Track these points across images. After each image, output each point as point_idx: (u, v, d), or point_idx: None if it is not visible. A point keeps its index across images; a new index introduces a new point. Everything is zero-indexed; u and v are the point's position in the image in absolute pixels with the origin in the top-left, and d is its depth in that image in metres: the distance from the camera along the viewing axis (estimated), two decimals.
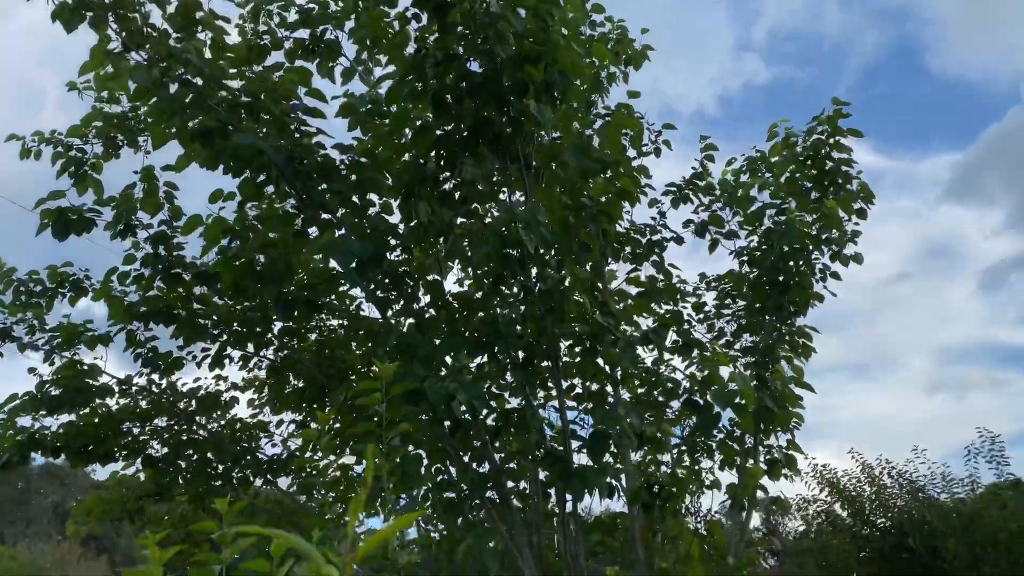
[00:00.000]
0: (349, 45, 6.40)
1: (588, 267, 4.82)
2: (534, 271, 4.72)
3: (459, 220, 5.18)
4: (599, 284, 5.19)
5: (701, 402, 5.90)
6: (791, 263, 6.77)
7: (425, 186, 4.74)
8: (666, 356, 6.77)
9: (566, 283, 4.59)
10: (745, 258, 7.54)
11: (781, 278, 6.76)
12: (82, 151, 6.46)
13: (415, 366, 4.38)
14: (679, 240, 7.13)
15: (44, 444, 6.42)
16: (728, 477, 6.74)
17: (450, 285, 6.57)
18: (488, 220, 4.80)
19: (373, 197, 5.55)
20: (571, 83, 4.38)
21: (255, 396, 7.61)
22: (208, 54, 4.93)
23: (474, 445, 5.53)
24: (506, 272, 4.57)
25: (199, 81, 4.79)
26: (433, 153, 4.80)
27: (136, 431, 6.77)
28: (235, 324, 6.67)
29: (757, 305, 7.51)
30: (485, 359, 4.76)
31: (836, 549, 13.78)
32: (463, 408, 4.44)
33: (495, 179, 4.76)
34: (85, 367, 6.20)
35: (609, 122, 6.21)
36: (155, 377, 6.45)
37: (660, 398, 6.57)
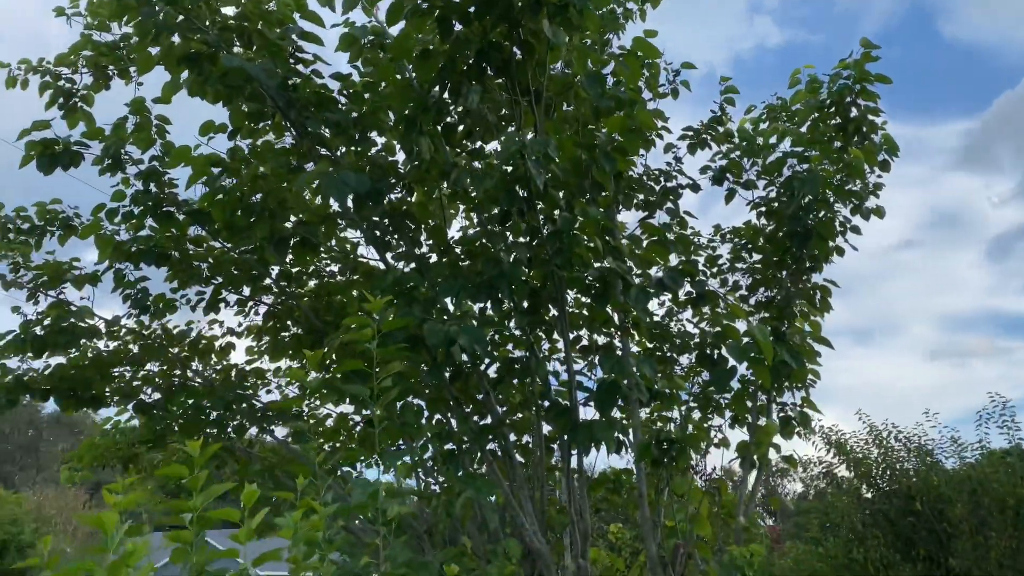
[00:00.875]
0: None
1: (600, 211, 4.50)
2: (542, 211, 4.42)
3: (463, 159, 4.87)
4: (611, 228, 4.88)
5: (715, 356, 5.65)
6: (812, 213, 6.44)
7: (428, 117, 4.42)
8: (678, 310, 6.51)
9: (576, 225, 4.28)
10: (763, 209, 7.22)
11: (801, 228, 6.43)
12: (71, 81, 6.14)
13: (414, 309, 4.11)
14: (695, 187, 6.80)
15: (33, 387, 6.20)
16: (737, 436, 6.51)
17: (454, 233, 6.27)
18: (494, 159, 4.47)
19: (374, 137, 5.26)
20: (587, 1, 4.03)
21: (253, 344, 7.38)
22: None
23: (475, 396, 5.29)
24: (512, 211, 4.27)
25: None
26: (438, 84, 4.47)
27: (128, 376, 6.56)
28: (231, 268, 6.42)
29: (775, 259, 7.20)
30: (488, 305, 4.47)
31: (840, 510, 13.63)
32: (463, 354, 4.17)
33: (503, 112, 4.42)
34: (72, 307, 5.95)
35: (629, 51, 5.86)
36: (144, 319, 6.19)
37: (671, 353, 6.31)
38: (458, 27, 4.14)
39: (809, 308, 6.63)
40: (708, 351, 5.68)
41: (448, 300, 4.47)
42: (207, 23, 4.52)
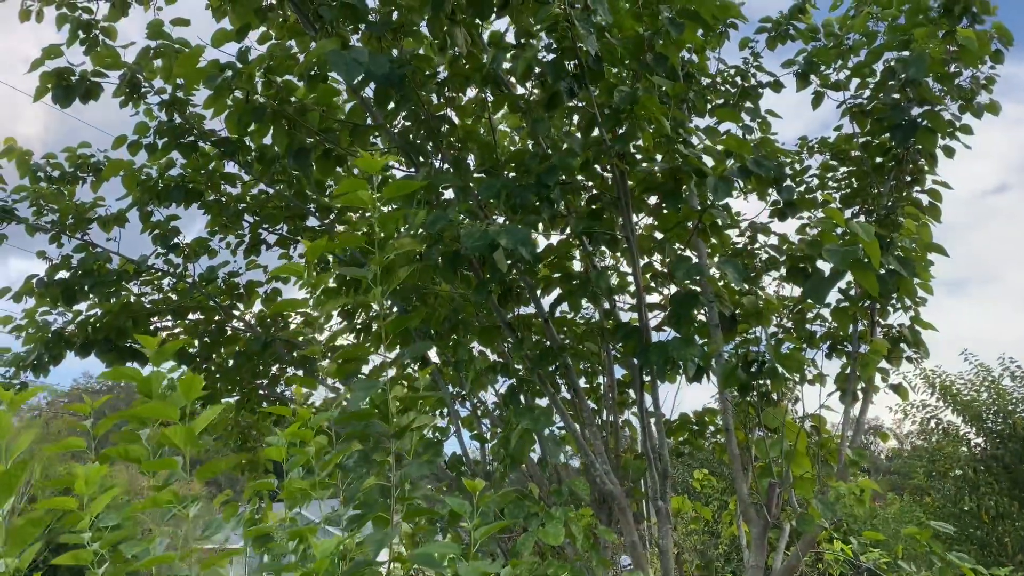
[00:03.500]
0: None
1: (667, 81, 3.77)
2: (597, 95, 3.72)
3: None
4: (681, 120, 4.14)
5: (809, 270, 4.88)
6: (916, 101, 5.53)
7: None
8: (765, 219, 5.72)
9: (637, 101, 3.56)
10: (855, 111, 6.33)
11: (905, 120, 5.54)
12: (88, 11, 5.71)
13: (448, 212, 3.49)
14: (777, 85, 5.98)
15: (71, 340, 5.88)
16: (836, 372, 5.72)
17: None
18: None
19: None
20: None
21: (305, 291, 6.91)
22: None
23: (532, 323, 4.67)
24: (560, 91, 3.60)
25: None
26: None
27: (170, 324, 6.18)
28: (268, 205, 5.94)
29: (873, 168, 6.33)
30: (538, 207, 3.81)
31: (948, 456, 12.60)
32: (509, 263, 3.54)
33: None
34: (99, 249, 5.56)
35: None
36: (172, 258, 5.76)
37: (756, 269, 5.55)
38: None
39: (917, 215, 5.76)
40: (801, 265, 4.92)
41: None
42: None
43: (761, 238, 6.52)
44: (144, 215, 5.56)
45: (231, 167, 5.86)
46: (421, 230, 3.51)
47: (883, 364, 5.39)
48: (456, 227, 3.49)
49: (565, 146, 3.79)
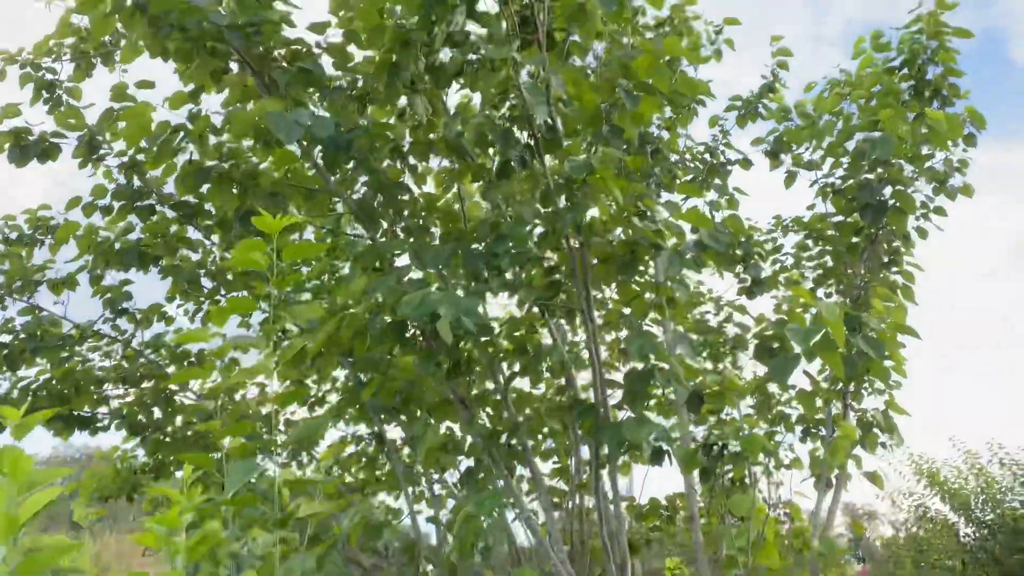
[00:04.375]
0: None
1: (622, 150, 3.67)
2: (552, 169, 3.63)
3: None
4: (643, 193, 4.04)
5: (774, 348, 4.73)
6: (885, 181, 5.48)
7: (410, 54, 3.70)
8: (731, 296, 5.60)
9: (588, 171, 3.46)
10: (829, 191, 6.28)
11: (874, 200, 5.47)
12: (53, 71, 5.66)
13: (390, 279, 3.34)
14: (746, 162, 5.95)
15: (14, 404, 5.63)
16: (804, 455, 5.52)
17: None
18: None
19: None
20: None
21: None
22: None
23: (490, 398, 4.48)
24: (511, 160, 3.50)
25: None
26: (422, 19, 3.75)
27: (120, 392, 5.95)
28: (226, 271, 5.79)
29: (845, 247, 6.25)
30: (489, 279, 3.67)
31: (937, 548, 12.21)
32: (454, 334, 3.37)
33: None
34: (45, 312, 5.37)
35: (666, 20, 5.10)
36: (123, 324, 5.58)
37: (723, 347, 5.40)
38: None
39: (890, 294, 5.64)
40: (766, 344, 4.76)
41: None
42: None
43: (737, 316, 6.42)
44: (95, 279, 5.40)
45: (194, 232, 5.74)
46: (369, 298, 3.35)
47: (859, 450, 5.20)
48: (399, 294, 3.33)
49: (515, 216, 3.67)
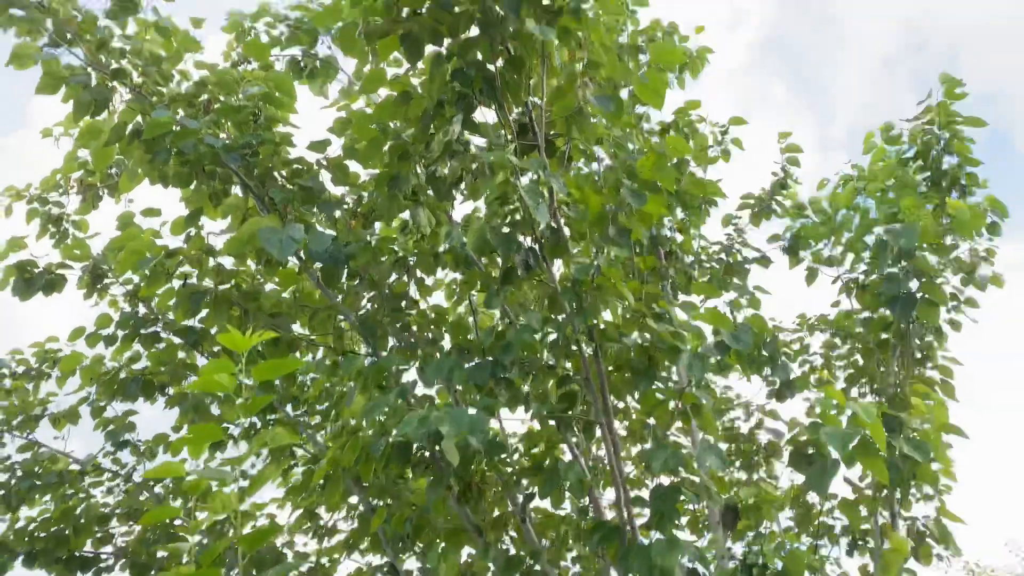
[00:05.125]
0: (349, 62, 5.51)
1: (631, 250, 3.51)
2: (557, 265, 3.47)
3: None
4: (656, 295, 3.86)
5: (811, 454, 4.41)
6: (910, 273, 5.25)
7: (408, 166, 3.62)
8: (761, 400, 5.31)
9: (595, 272, 3.29)
10: (852, 287, 6.07)
11: (902, 293, 5.24)
12: (59, 205, 5.68)
13: (390, 396, 3.13)
14: (765, 260, 5.77)
15: (10, 548, 5.35)
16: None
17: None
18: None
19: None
20: (584, 1, 3.23)
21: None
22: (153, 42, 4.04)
23: (507, 523, 4.17)
24: (514, 266, 3.34)
25: (133, 71, 3.90)
26: (419, 130, 3.69)
27: (124, 529, 5.66)
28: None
29: (876, 343, 5.98)
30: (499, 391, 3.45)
31: None
32: (463, 455, 3.13)
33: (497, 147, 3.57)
34: (44, 449, 5.18)
35: (670, 124, 5.06)
36: (124, 456, 5.37)
37: (755, 457, 5.07)
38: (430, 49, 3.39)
39: (927, 392, 5.33)
40: (802, 450, 4.45)
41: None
42: (155, 98, 3.92)
43: (769, 421, 6.10)
44: (96, 410, 5.23)
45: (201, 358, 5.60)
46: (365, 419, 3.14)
47: (912, 563, 4.78)
48: (401, 414, 3.12)
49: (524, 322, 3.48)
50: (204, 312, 4.26)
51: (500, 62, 3.38)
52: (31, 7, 3.96)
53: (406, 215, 4.51)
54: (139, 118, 4.07)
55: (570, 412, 3.70)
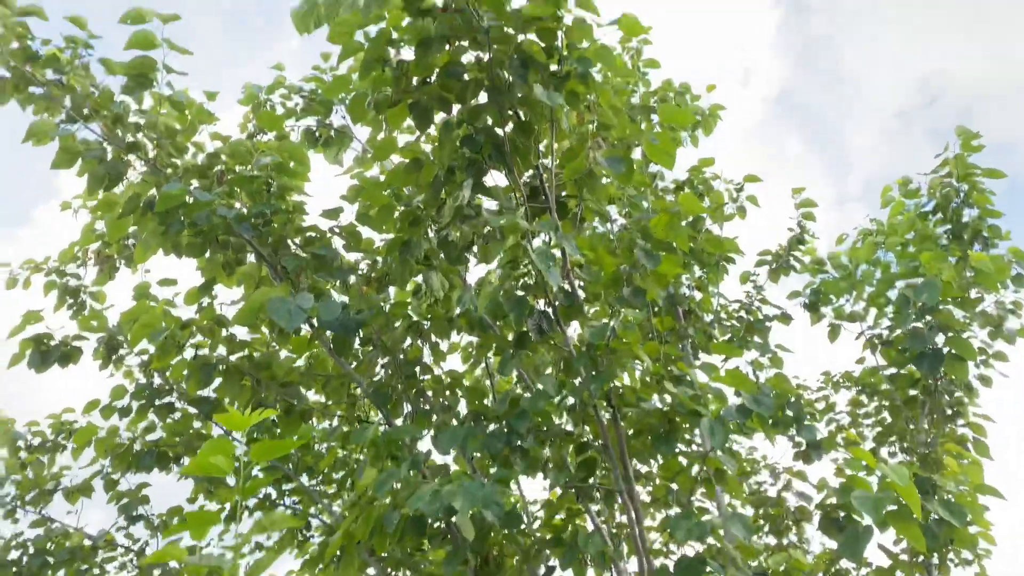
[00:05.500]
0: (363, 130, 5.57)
1: (646, 311, 3.45)
2: (572, 328, 3.41)
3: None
4: (675, 355, 3.78)
5: (841, 519, 4.24)
6: (934, 327, 5.12)
7: (419, 231, 3.60)
8: (787, 462, 5.15)
9: (611, 336, 3.22)
10: (877, 343, 5.95)
11: (928, 348, 5.11)
12: (77, 276, 5.72)
13: (401, 468, 3.05)
14: (785, 318, 5.67)
15: None
16: None
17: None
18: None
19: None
20: (591, 65, 3.24)
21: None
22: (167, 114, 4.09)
23: None
24: (527, 330, 3.28)
25: (148, 144, 3.94)
26: (430, 196, 3.68)
27: None
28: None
29: (903, 400, 5.83)
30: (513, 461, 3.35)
31: None
32: (481, 523, 3.02)
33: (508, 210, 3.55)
34: (56, 524, 5.10)
35: (684, 182, 5.04)
36: (137, 532, 5.27)
37: (786, 520, 4.89)
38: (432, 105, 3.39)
39: (960, 451, 5.16)
40: (832, 515, 4.29)
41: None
42: (169, 169, 3.96)
43: (796, 483, 5.91)
44: (110, 483, 5.16)
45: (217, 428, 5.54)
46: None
47: None
48: (414, 486, 3.03)
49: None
50: (217, 381, 4.22)
51: (509, 127, 3.37)
52: (50, 84, 4.04)
53: (419, 279, 4.50)
54: (153, 190, 4.12)
55: (590, 480, 3.59)
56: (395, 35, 3.29)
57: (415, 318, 4.27)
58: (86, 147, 3.85)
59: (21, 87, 3.90)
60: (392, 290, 4.66)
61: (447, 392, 4.52)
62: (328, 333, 3.72)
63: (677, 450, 3.47)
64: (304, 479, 5.47)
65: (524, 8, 3.14)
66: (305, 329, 3.93)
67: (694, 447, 3.91)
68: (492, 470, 4.70)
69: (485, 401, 4.58)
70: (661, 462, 3.61)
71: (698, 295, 5.61)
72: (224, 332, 4.16)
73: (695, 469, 3.67)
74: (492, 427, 3.29)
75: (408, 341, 4.39)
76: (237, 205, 4.11)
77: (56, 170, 3.92)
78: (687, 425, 3.50)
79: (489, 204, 3.73)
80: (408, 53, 3.29)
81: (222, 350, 4.11)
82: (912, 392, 5.90)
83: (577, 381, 3.49)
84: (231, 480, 5.71)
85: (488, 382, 5.11)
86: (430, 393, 4.33)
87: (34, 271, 5.62)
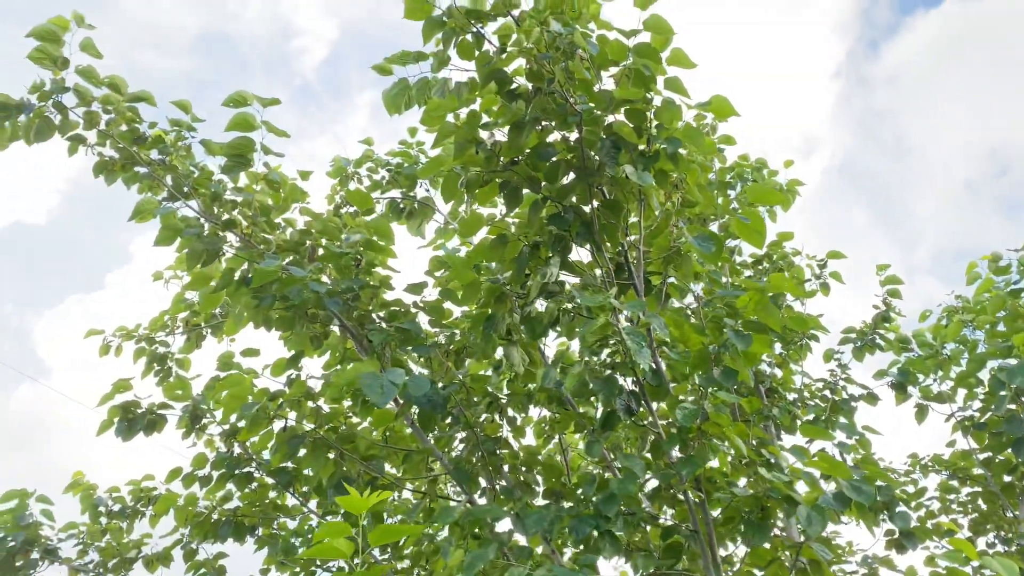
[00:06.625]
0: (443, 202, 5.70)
1: (735, 395, 3.37)
2: (660, 412, 3.36)
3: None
4: (764, 439, 3.68)
5: None
6: None
7: (504, 307, 3.62)
8: (875, 549, 4.92)
9: (702, 419, 3.16)
10: (968, 424, 5.70)
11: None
12: (165, 344, 5.90)
13: (489, 550, 3.00)
14: (872, 398, 5.49)
15: None
16: None
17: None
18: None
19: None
20: (680, 145, 3.26)
21: None
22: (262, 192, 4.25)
23: None
24: (615, 410, 3.24)
25: (243, 221, 4.09)
26: (515, 271, 3.72)
27: None
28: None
29: (1000, 485, 5.55)
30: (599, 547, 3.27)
31: None
32: None
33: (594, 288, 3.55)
34: None
35: (764, 256, 4.99)
36: None
37: None
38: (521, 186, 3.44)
39: None
40: None
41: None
42: (262, 245, 4.09)
43: (884, 572, 5.63)
44: (188, 552, 5.20)
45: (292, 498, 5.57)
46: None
47: None
48: (502, 569, 2.98)
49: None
50: (301, 452, 4.25)
51: (596, 203, 3.40)
52: (154, 164, 4.25)
53: (499, 353, 4.51)
54: (246, 264, 4.26)
55: (676, 566, 3.48)
56: (486, 118, 3.37)
57: (495, 393, 4.27)
58: (186, 224, 4.02)
59: (128, 167, 4.10)
60: (467, 363, 4.68)
61: (523, 468, 4.47)
62: (414, 408, 3.74)
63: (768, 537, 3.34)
64: (375, 553, 5.43)
65: (615, 91, 3.20)
66: (389, 403, 3.95)
67: (778, 532, 3.76)
68: (568, 551, 4.61)
69: (562, 479, 4.52)
70: (750, 551, 3.48)
71: (779, 373, 5.49)
72: (310, 404, 4.21)
73: (785, 555, 3.53)
74: (579, 511, 3.22)
75: (485, 416, 4.39)
76: (325, 279, 4.21)
77: (132, 235, 4.08)
78: (779, 511, 3.37)
79: (572, 280, 3.74)
80: (499, 135, 3.37)
81: (308, 423, 4.15)
82: (1008, 478, 5.63)
83: (663, 463, 3.42)
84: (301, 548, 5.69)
85: (560, 457, 5.04)
86: (507, 469, 4.29)
87: (126, 338, 5.82)
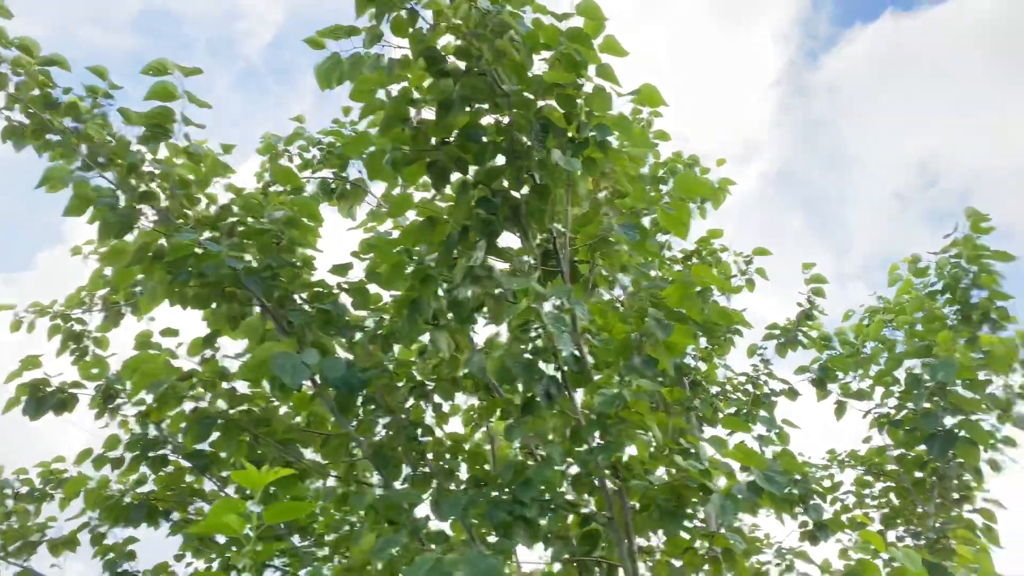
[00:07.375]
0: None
1: (655, 381, 3.38)
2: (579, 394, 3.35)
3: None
4: (684, 428, 3.71)
5: None
6: (949, 410, 5.04)
7: (430, 289, 3.56)
8: (790, 541, 5.01)
9: (621, 405, 3.16)
10: (883, 421, 5.86)
11: (939, 430, 5.02)
12: (81, 322, 5.67)
13: (401, 534, 2.95)
14: (792, 393, 5.60)
15: None
16: None
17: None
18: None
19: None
20: (609, 133, 3.26)
21: None
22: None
23: None
24: (535, 396, 3.22)
25: (161, 194, 3.94)
26: (443, 255, 3.67)
27: None
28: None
29: (912, 483, 5.72)
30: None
31: None
32: None
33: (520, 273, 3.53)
34: None
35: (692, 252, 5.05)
36: None
37: None
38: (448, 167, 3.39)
39: (971, 538, 5.03)
40: None
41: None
42: (180, 220, 3.95)
43: (800, 564, 5.76)
44: (96, 537, 5.01)
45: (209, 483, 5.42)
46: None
47: None
48: (413, 553, 2.93)
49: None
50: (215, 436, 4.13)
51: (525, 189, 3.37)
52: (67, 132, 4.06)
53: (425, 338, 4.45)
54: (163, 240, 4.11)
55: (593, 553, 3.48)
56: (416, 95, 3.31)
57: (419, 378, 4.21)
58: (99, 195, 3.85)
59: (39, 133, 3.92)
60: (396, 349, 4.61)
61: (448, 455, 4.43)
62: (331, 391, 3.66)
63: (684, 525, 3.37)
64: (295, 539, 5.32)
65: (545, 74, 3.17)
66: (307, 385, 3.86)
67: (696, 522, 3.80)
68: (490, 539, 4.59)
69: (486, 466, 4.49)
70: (667, 539, 3.50)
71: (703, 366, 5.56)
72: (225, 385, 4.09)
73: (701, 544, 3.57)
74: (494, 494, 3.20)
75: (411, 402, 4.33)
76: (247, 258, 4.09)
77: (66, 217, 3.91)
78: (695, 500, 3.40)
79: (500, 265, 3.71)
80: (428, 113, 3.32)
81: (221, 403, 4.03)
82: (919, 474, 5.80)
83: (583, 449, 3.41)
84: (220, 538, 5.56)
85: (488, 447, 5.01)
86: (430, 456, 4.24)
87: (39, 314, 5.57)
